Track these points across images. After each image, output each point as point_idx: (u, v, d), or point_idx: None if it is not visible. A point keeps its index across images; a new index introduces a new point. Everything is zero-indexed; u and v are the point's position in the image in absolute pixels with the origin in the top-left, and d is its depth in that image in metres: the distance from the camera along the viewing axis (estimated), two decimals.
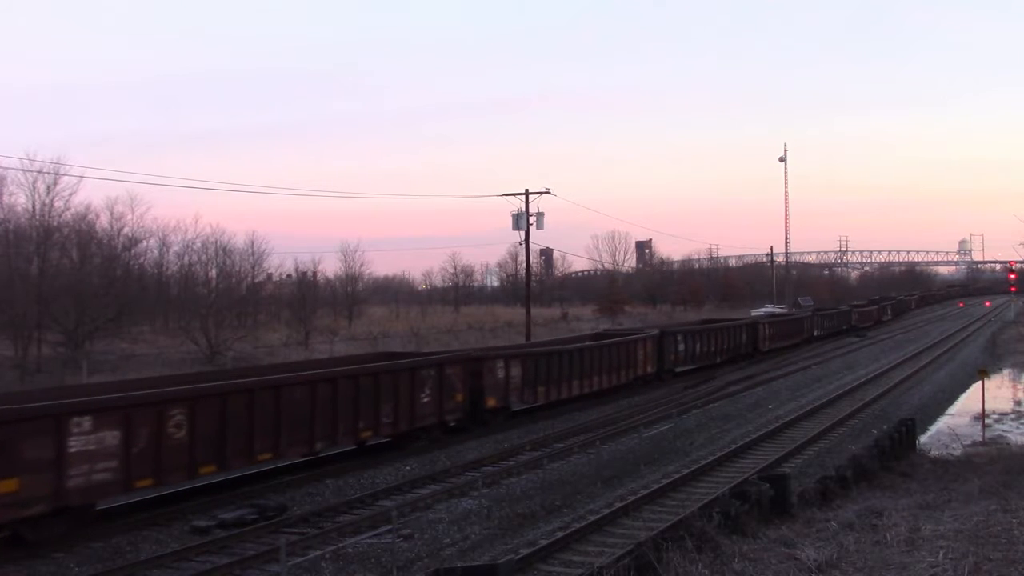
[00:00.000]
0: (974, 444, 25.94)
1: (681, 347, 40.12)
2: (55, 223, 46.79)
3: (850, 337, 69.94)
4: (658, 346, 37.43)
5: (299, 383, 19.34)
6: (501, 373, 26.16)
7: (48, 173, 45.28)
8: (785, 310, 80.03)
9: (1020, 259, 73.75)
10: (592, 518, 16.30)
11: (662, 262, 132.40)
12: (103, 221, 54.89)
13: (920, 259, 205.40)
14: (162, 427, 15.89)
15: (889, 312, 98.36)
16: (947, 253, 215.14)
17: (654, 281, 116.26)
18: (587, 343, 33.02)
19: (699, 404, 31.82)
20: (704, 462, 21.64)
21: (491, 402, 25.76)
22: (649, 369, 36.04)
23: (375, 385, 21.03)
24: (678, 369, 40.30)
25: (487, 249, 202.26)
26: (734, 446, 23.79)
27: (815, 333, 63.78)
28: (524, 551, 14.12)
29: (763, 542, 12.78)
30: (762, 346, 50.70)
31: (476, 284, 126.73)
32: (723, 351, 44.97)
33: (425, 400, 22.69)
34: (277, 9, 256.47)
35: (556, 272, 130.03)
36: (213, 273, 62.85)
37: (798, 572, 10.57)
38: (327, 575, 13.54)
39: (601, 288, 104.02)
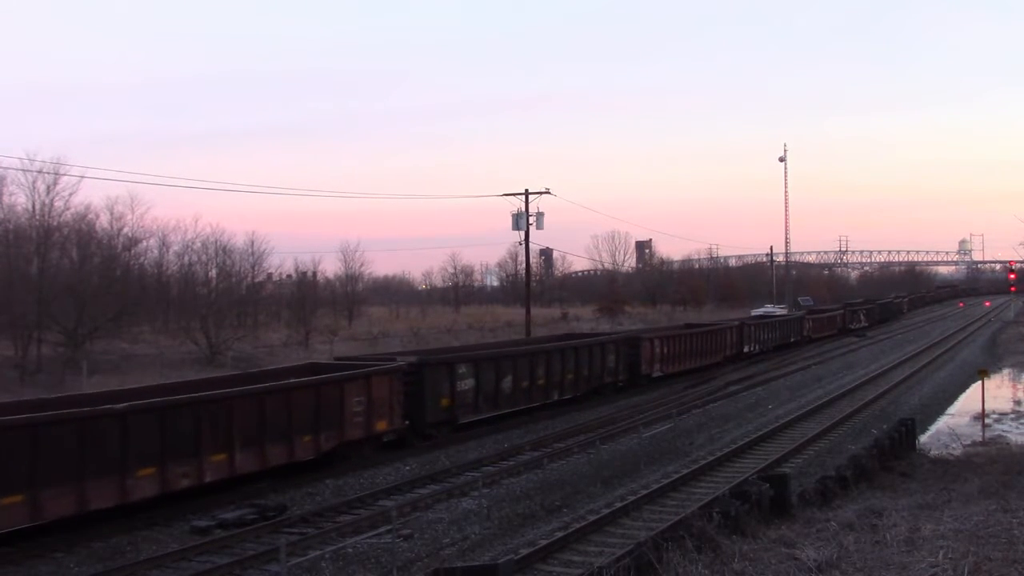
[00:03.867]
0: (974, 444, 25.91)
1: (467, 383, 25.21)
2: (55, 223, 46.77)
3: (803, 352, 55.58)
4: (412, 385, 23.03)
5: None
6: None
7: (48, 173, 45.27)
8: (785, 310, 79.88)
9: (1020, 259, 73.66)
10: (592, 518, 16.29)
11: (662, 262, 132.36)
12: (103, 221, 54.88)
13: (920, 259, 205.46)
14: None
15: (862, 318, 79.58)
16: (947, 253, 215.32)
17: (654, 281, 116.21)
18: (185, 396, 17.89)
19: (699, 404, 31.82)
20: (704, 462, 21.64)
21: None
22: (383, 426, 21.61)
23: None
24: (464, 420, 25.66)
25: (487, 249, 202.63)
26: (734, 446, 23.79)
27: (746, 349, 49.20)
28: (524, 551, 14.11)
29: (763, 542, 12.78)
30: (649, 370, 36.91)
31: (476, 284, 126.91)
32: (568, 384, 30.56)
33: None
34: (277, 10, 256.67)
35: (556, 272, 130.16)
36: (213, 273, 62.87)
37: (798, 572, 10.57)
38: (327, 575, 13.55)
39: (601, 288, 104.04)
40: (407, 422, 23.06)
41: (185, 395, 18.08)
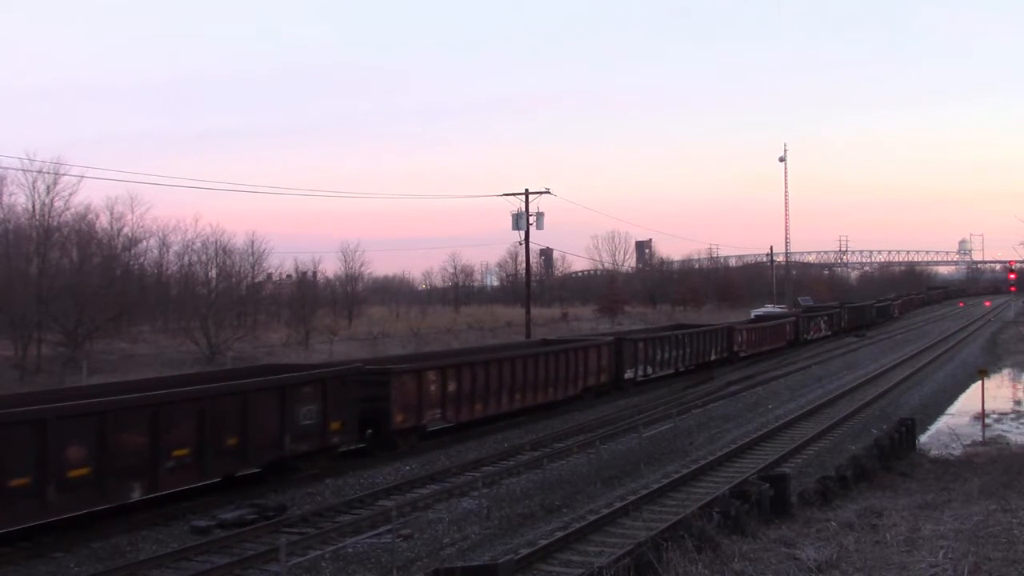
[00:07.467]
0: (974, 444, 25.93)
1: None
2: (55, 223, 46.91)
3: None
4: None
5: None
6: None
7: (48, 173, 45.45)
8: (785, 310, 79.67)
9: (1020, 259, 73.64)
10: (592, 518, 16.29)
11: (662, 262, 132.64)
12: (103, 221, 55.19)
13: (920, 259, 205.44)
14: None
15: (823, 326, 64.78)
16: (947, 253, 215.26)
17: (654, 281, 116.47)
18: None
19: (699, 404, 31.80)
20: (704, 462, 21.64)
21: None
22: None
23: None
24: None
25: (487, 249, 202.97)
26: (734, 446, 23.79)
27: (628, 375, 35.05)
28: (524, 551, 14.11)
29: (763, 542, 12.77)
30: (415, 421, 23.39)
31: (476, 284, 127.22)
32: (178, 468, 16.36)
33: None
34: (277, 10, 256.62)
35: (556, 272, 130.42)
36: (213, 273, 63.01)
37: (798, 572, 10.57)
38: (327, 575, 13.55)
39: (601, 288, 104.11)
40: None
41: None
